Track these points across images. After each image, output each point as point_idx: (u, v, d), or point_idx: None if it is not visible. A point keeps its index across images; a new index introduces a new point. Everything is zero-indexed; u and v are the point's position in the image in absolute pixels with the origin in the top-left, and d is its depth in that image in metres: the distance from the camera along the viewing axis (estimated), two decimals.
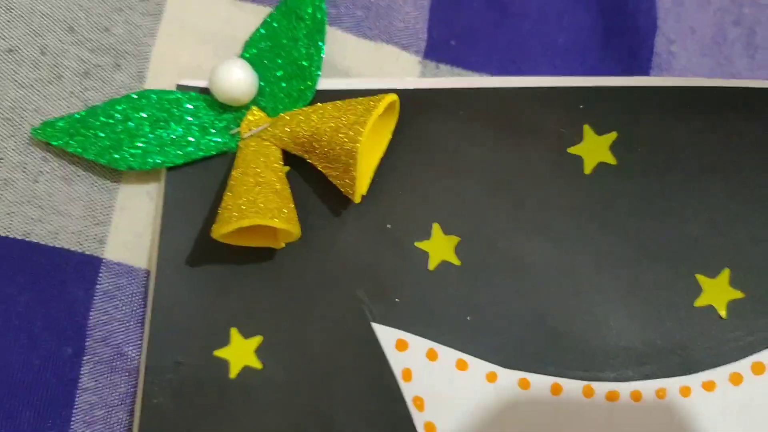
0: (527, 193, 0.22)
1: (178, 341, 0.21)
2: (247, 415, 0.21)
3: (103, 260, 0.22)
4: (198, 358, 0.21)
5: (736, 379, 0.21)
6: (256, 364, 0.21)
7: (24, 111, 0.22)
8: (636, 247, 0.21)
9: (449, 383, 0.21)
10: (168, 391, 0.21)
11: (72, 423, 0.21)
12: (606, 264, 0.21)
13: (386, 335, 0.21)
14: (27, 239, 0.21)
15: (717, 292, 0.21)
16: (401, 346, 0.21)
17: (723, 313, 0.21)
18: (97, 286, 0.22)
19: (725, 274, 0.21)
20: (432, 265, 0.22)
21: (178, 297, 0.21)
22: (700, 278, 0.21)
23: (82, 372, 0.21)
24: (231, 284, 0.22)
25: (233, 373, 0.21)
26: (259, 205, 0.19)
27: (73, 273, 0.22)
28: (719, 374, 0.21)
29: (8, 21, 0.22)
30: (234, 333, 0.21)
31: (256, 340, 0.21)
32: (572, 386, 0.21)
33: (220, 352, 0.21)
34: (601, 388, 0.21)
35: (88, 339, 0.21)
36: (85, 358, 0.21)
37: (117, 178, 0.22)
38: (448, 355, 0.21)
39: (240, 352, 0.21)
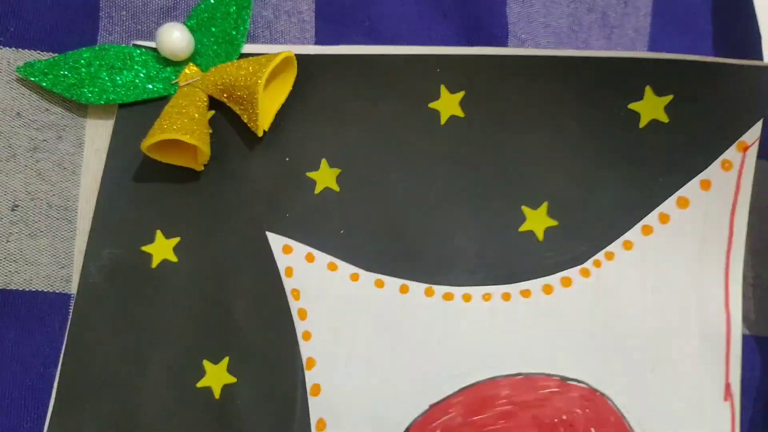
0: (395, 137, 0.27)
1: (113, 237, 0.27)
2: (163, 298, 0.27)
3: (71, 294, 0.27)
4: (128, 250, 0.27)
5: (547, 289, 0.26)
6: (173, 258, 0.27)
7: None
8: (476, 182, 0.27)
9: (321, 280, 0.26)
10: (102, 274, 0.27)
11: None
12: (452, 194, 0.27)
13: (276, 241, 0.27)
14: (8, 288, 0.27)
15: (537, 221, 0.27)
16: (287, 249, 0.27)
17: (540, 237, 0.27)
18: (69, 317, 0.27)
19: (544, 206, 0.27)
20: (318, 190, 0.27)
21: (117, 204, 0.27)
22: (525, 209, 0.27)
23: None
24: (159, 196, 0.27)
25: (154, 263, 0.27)
26: (177, 125, 0.25)
27: (48, 309, 0.27)
28: (534, 285, 0.26)
29: None
30: (158, 234, 0.27)
31: (175, 240, 0.27)
32: (417, 287, 0.26)
33: (146, 248, 0.27)
34: (440, 289, 0.26)
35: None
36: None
37: (72, 230, 0.27)
38: (322, 258, 0.27)
39: (161, 249, 0.27)
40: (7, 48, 0.28)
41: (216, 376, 0.26)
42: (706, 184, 0.26)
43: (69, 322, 0.26)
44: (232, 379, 0.26)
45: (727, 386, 0.25)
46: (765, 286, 0.31)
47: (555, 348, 0.26)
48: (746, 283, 0.32)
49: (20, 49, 0.28)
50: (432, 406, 0.25)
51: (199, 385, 0.26)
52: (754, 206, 0.32)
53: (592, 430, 0.25)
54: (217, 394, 0.25)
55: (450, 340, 0.26)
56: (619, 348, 0.26)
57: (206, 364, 0.26)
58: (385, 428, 0.25)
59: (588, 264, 0.26)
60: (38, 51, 0.28)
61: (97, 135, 0.28)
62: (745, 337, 0.32)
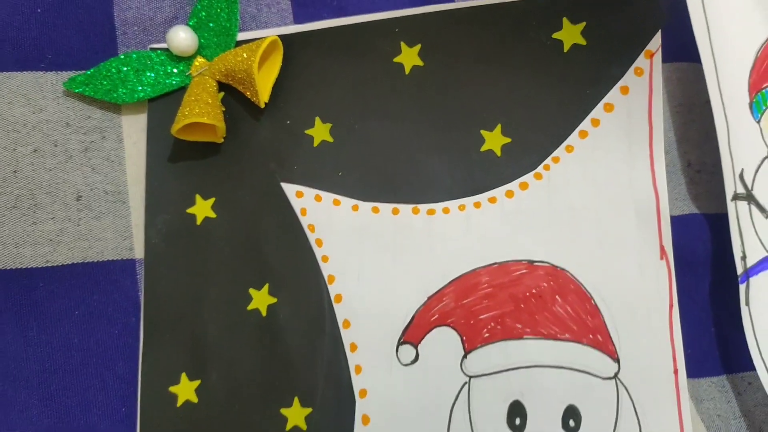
0: (371, 91, 0.33)
1: (164, 206, 0.34)
2: (210, 246, 0.33)
3: (136, 259, 0.34)
4: (177, 214, 0.34)
5: (509, 194, 0.32)
6: (213, 215, 0.34)
7: (57, 185, 0.33)
8: (441, 116, 0.33)
9: (329, 214, 0.33)
10: (160, 236, 0.34)
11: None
12: (423, 129, 0.33)
13: (289, 189, 0.33)
14: (86, 261, 0.33)
15: (494, 141, 0.33)
16: (299, 194, 0.33)
17: (498, 153, 0.33)
18: (137, 276, 0.34)
19: (498, 127, 0.33)
20: (316, 143, 0.34)
21: (162, 179, 0.34)
22: (483, 132, 0.33)
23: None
24: (193, 168, 0.34)
25: (199, 221, 0.34)
26: (196, 110, 0.32)
27: (119, 273, 0.34)
28: (498, 192, 0.33)
29: (28, 132, 0.33)
30: (198, 197, 0.34)
31: (212, 200, 0.34)
32: (405, 208, 0.33)
33: (190, 210, 0.34)
34: (424, 207, 0.33)
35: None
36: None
37: (127, 208, 0.34)
38: (327, 197, 0.33)
39: (202, 209, 0.34)
40: (50, 72, 0.34)
41: (261, 299, 0.33)
42: (625, 90, 0.31)
43: (144, 277, 0.33)
44: (274, 300, 0.33)
45: (662, 248, 0.32)
46: (710, 171, 0.36)
47: (521, 239, 0.32)
48: (693, 170, 0.38)
49: (59, 72, 0.34)
50: (430, 298, 0.32)
51: (249, 308, 0.33)
52: (693, 103, 0.38)
53: (557, 297, 0.31)
54: (264, 312, 0.33)
55: (437, 245, 0.32)
56: (572, 231, 0.32)
57: (252, 291, 0.33)
58: (395, 319, 0.32)
59: (539, 169, 0.32)
60: (73, 71, 0.34)
61: (132, 130, 0.35)
62: (695, 215, 0.38)
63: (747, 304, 0.35)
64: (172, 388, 0.32)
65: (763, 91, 0.36)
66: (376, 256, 0.33)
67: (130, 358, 0.33)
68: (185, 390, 0.32)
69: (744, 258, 0.36)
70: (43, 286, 0.33)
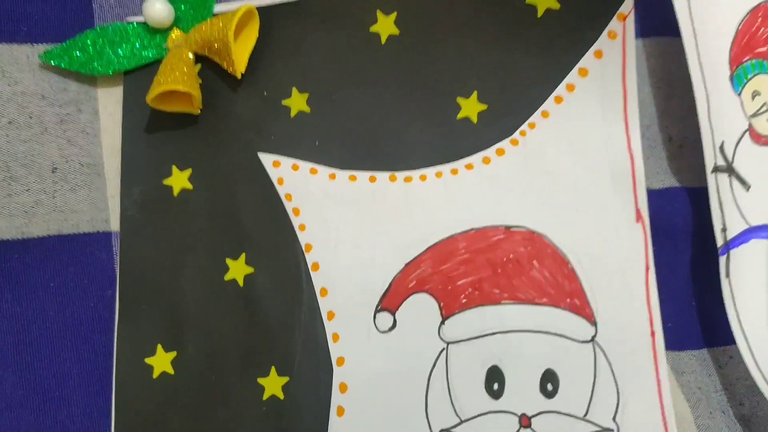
0: (348, 60, 0.33)
1: (140, 177, 0.34)
2: (187, 217, 0.33)
3: (111, 232, 0.34)
4: (153, 185, 0.34)
5: (486, 160, 0.33)
6: (189, 186, 0.34)
7: (33, 157, 0.33)
8: (417, 85, 0.33)
9: (306, 183, 0.33)
10: (136, 207, 0.34)
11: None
12: (400, 98, 0.33)
13: (266, 159, 0.33)
14: (61, 233, 0.33)
15: (470, 108, 0.33)
16: (276, 164, 0.33)
17: (475, 120, 0.33)
18: (113, 249, 0.34)
19: (475, 94, 0.33)
20: (293, 113, 0.34)
21: (138, 151, 0.34)
22: (459, 99, 0.33)
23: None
24: (170, 139, 0.34)
25: (176, 192, 0.34)
26: (171, 78, 0.32)
27: (95, 245, 0.34)
28: (475, 158, 0.33)
29: (3, 103, 0.33)
30: (174, 168, 0.34)
31: (188, 171, 0.34)
32: (383, 175, 0.33)
33: (166, 181, 0.34)
34: (401, 174, 0.33)
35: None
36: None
37: (103, 181, 0.34)
38: (305, 166, 0.33)
39: (178, 180, 0.34)
40: (25, 44, 0.34)
41: (238, 269, 0.33)
42: (599, 54, 0.31)
43: (120, 249, 0.33)
44: (251, 270, 0.33)
45: (637, 211, 0.32)
46: (691, 145, 0.37)
47: (498, 204, 0.32)
48: (674, 145, 0.38)
49: (35, 44, 0.34)
50: (407, 265, 0.32)
51: (226, 278, 0.33)
52: (674, 78, 0.38)
53: (534, 262, 0.31)
54: (241, 282, 0.32)
55: (414, 213, 0.32)
56: (549, 196, 0.32)
57: (229, 261, 0.33)
58: (372, 286, 0.32)
59: (516, 135, 0.32)
60: (49, 43, 0.34)
61: (108, 102, 0.35)
62: (676, 189, 0.38)
63: (727, 276, 0.35)
64: (148, 360, 0.32)
65: (744, 64, 0.36)
66: (353, 224, 0.32)
67: (105, 331, 0.33)
68: (161, 361, 0.32)
69: (724, 230, 0.36)
70: (17, 257, 0.32)
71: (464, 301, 0.31)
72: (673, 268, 0.36)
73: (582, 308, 0.31)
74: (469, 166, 0.32)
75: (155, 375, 0.32)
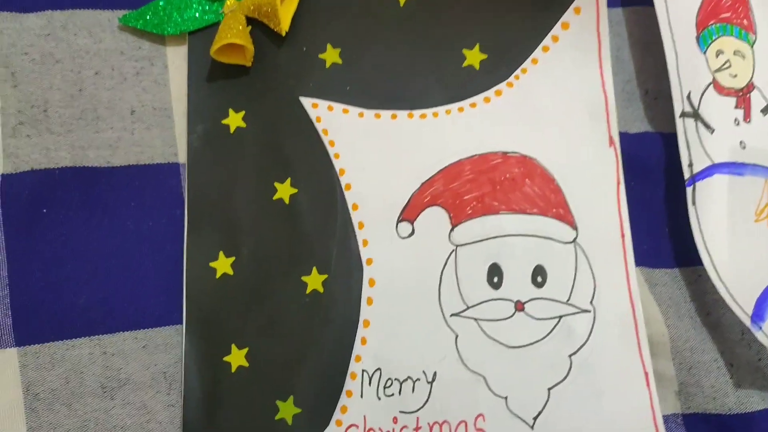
0: (372, 20, 0.41)
1: (202, 117, 0.40)
2: (241, 151, 0.40)
3: (179, 163, 0.41)
4: (213, 124, 0.40)
5: (486, 100, 0.40)
6: (243, 124, 0.41)
7: (115, 102, 0.40)
8: (430, 39, 0.40)
9: (339, 121, 0.40)
10: (200, 141, 0.40)
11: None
12: (416, 51, 0.40)
13: (306, 101, 0.40)
14: (139, 164, 0.40)
15: (473, 57, 0.40)
16: (314, 106, 0.40)
17: (477, 67, 0.40)
18: (181, 176, 0.40)
19: (477, 46, 0.40)
20: (327, 65, 0.41)
21: (201, 96, 0.41)
22: (465, 51, 0.40)
23: None
24: (226, 86, 0.41)
25: (232, 130, 0.41)
26: (229, 35, 0.39)
27: (166, 173, 0.40)
28: (478, 98, 0.40)
29: (90, 58, 0.40)
30: (230, 110, 0.41)
31: (242, 113, 0.41)
32: (402, 113, 0.40)
33: (224, 121, 0.41)
34: (417, 113, 0.40)
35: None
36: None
37: (171, 121, 0.40)
38: (338, 107, 0.40)
39: (234, 120, 0.41)
40: (107, 10, 0.41)
41: (284, 190, 0.40)
42: (577, 10, 0.39)
43: (187, 175, 0.40)
44: (295, 190, 0.39)
45: (610, 137, 0.39)
46: (665, 98, 0.43)
47: (496, 135, 0.39)
48: (650, 98, 0.45)
49: (115, 10, 0.42)
50: (423, 184, 0.39)
51: (274, 198, 0.39)
52: (649, 41, 0.44)
53: (527, 180, 0.38)
54: (287, 201, 0.39)
55: (428, 143, 0.39)
56: (538, 127, 0.39)
57: (276, 184, 0.40)
58: (395, 201, 0.39)
59: (511, 79, 0.40)
60: (126, 9, 0.42)
61: (175, 57, 0.42)
62: (651, 134, 0.45)
63: (693, 203, 0.41)
64: (212, 264, 0.39)
65: (709, 27, 0.42)
66: (378, 152, 0.40)
67: (175, 242, 0.40)
68: (223, 265, 0.39)
69: (691, 165, 0.42)
70: (105, 182, 0.40)
71: (470, 212, 0.38)
72: (648, 201, 0.43)
73: (565, 216, 0.38)
74: (473, 105, 0.40)
75: (218, 276, 0.39)
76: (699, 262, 0.41)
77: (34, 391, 0.36)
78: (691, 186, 0.42)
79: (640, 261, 0.40)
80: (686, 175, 0.42)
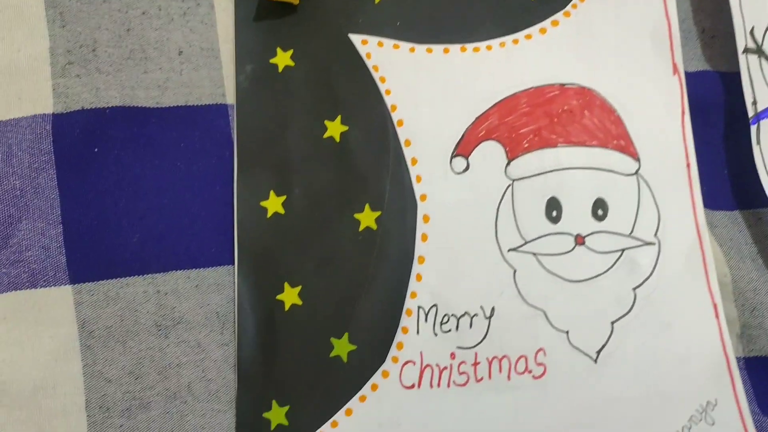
0: None
1: (250, 56, 0.40)
2: (290, 89, 0.40)
3: (227, 104, 0.40)
4: (261, 63, 0.40)
5: (542, 31, 0.38)
6: (291, 63, 0.40)
7: (162, 42, 0.40)
8: None
9: (390, 56, 0.39)
10: (248, 81, 0.40)
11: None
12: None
13: (356, 38, 0.40)
14: (187, 104, 0.40)
15: None
16: (364, 42, 0.40)
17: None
18: (229, 117, 0.40)
19: None
20: (377, 1, 0.40)
21: (248, 36, 0.40)
22: None
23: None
24: (274, 26, 0.40)
25: (280, 69, 0.40)
26: None
27: (215, 113, 0.40)
28: (533, 30, 0.39)
29: None
30: (278, 49, 0.40)
31: (290, 51, 0.40)
32: (454, 47, 0.39)
33: (272, 60, 0.40)
34: (470, 46, 0.39)
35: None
36: None
37: (219, 62, 0.40)
38: (388, 42, 0.39)
39: (282, 59, 0.40)
40: None
41: (335, 128, 0.39)
42: None
43: (236, 113, 0.40)
44: (345, 128, 0.39)
45: (674, 65, 0.37)
46: (722, 36, 0.41)
47: (553, 67, 0.38)
48: (707, 36, 0.43)
49: None
50: (477, 118, 0.38)
51: (325, 136, 0.39)
52: None
53: (585, 111, 0.37)
54: (337, 139, 0.39)
55: (482, 76, 0.38)
56: (597, 57, 0.38)
57: (327, 122, 0.39)
58: (449, 136, 0.38)
59: (568, 8, 0.38)
60: None
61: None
62: (710, 72, 0.43)
63: (758, 143, 0.40)
64: (263, 203, 0.39)
65: None
66: (431, 87, 0.39)
67: (224, 183, 0.39)
68: (274, 204, 0.39)
69: (755, 103, 0.41)
70: (155, 122, 0.39)
71: (526, 145, 0.37)
72: (707, 141, 0.41)
73: (627, 147, 0.37)
74: (528, 36, 0.38)
75: (269, 215, 0.38)
76: (760, 204, 0.40)
77: (88, 328, 0.36)
78: (756, 124, 0.41)
79: None
80: (750, 113, 0.41)
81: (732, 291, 0.40)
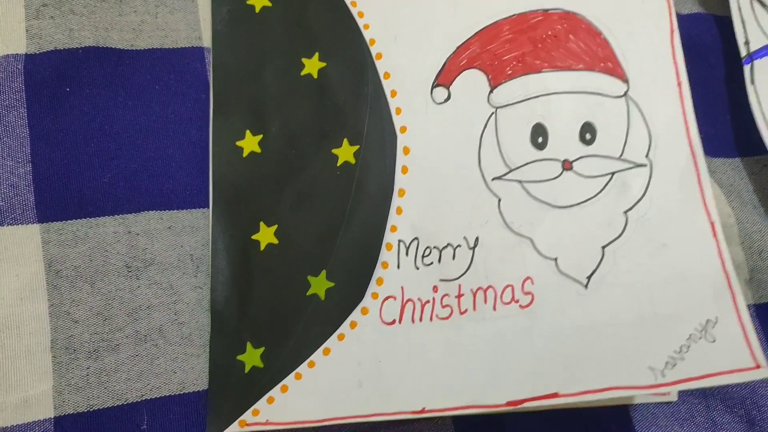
0: None
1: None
2: (264, 31, 0.39)
3: (203, 47, 0.39)
4: (238, 5, 0.39)
5: None
6: (268, 3, 0.39)
7: None
8: None
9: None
10: (225, 23, 0.39)
11: None
12: None
13: None
14: (164, 47, 0.39)
15: None
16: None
17: None
18: (206, 61, 0.39)
19: None
20: None
21: None
22: None
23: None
24: None
25: (257, 9, 0.39)
26: None
27: (192, 56, 0.39)
28: None
29: None
30: None
31: None
32: None
33: (250, 1, 0.39)
34: None
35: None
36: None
37: (196, 7, 0.39)
38: None
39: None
40: None
41: (312, 65, 0.38)
42: None
43: (212, 54, 0.39)
44: (323, 64, 0.38)
45: None
46: None
47: None
48: None
49: None
50: (458, 47, 0.37)
51: (302, 73, 0.38)
52: None
53: (570, 35, 0.36)
54: (315, 75, 0.38)
55: (463, 5, 0.37)
56: None
57: (304, 60, 0.38)
58: (429, 67, 0.36)
59: None
60: None
61: None
62: (703, 14, 0.42)
63: (752, 83, 0.38)
64: (239, 143, 0.37)
65: None
66: (410, 18, 0.37)
67: (200, 126, 0.38)
68: (250, 143, 0.37)
69: (747, 43, 0.40)
70: (128, 63, 0.38)
71: (509, 72, 0.36)
72: (704, 84, 0.40)
73: (614, 69, 0.35)
74: None
75: (245, 154, 0.37)
76: (762, 150, 0.38)
77: (56, 267, 0.35)
78: (749, 64, 0.39)
79: None
80: (742, 52, 0.39)
81: (738, 233, 0.37)
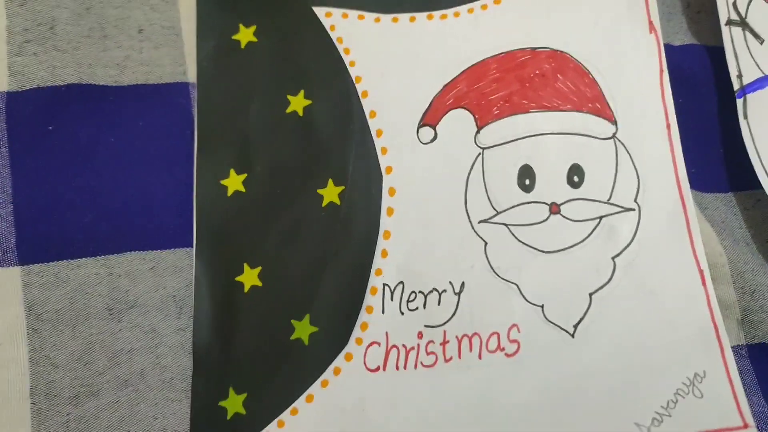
0: None
1: (213, 34, 0.39)
2: (252, 63, 0.38)
3: (188, 82, 0.39)
4: (224, 40, 0.39)
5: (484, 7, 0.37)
6: (254, 39, 0.39)
7: (123, 20, 0.39)
8: None
9: (355, 28, 0.38)
10: (210, 59, 0.38)
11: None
12: None
13: (320, 11, 0.38)
14: (147, 83, 0.38)
15: None
16: (328, 15, 0.38)
17: None
18: (191, 96, 0.39)
19: None
20: None
21: (210, 13, 0.39)
22: None
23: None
24: (236, 3, 0.39)
25: (243, 45, 0.39)
26: None
27: (176, 92, 0.39)
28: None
29: None
30: (241, 26, 0.39)
31: (253, 27, 0.39)
32: (420, 15, 0.37)
33: (235, 36, 0.39)
34: (437, 14, 0.37)
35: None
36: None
37: (180, 41, 0.39)
38: (353, 14, 0.38)
39: (245, 35, 0.39)
40: None
41: (298, 103, 0.37)
42: None
43: (197, 92, 0.38)
44: (309, 102, 0.37)
45: (650, 23, 0.35)
46: (708, 12, 0.40)
47: (523, 30, 0.36)
48: (692, 11, 0.42)
49: None
50: (445, 86, 0.36)
51: (288, 111, 0.37)
52: None
53: (558, 75, 0.35)
54: (300, 113, 0.37)
55: (449, 43, 0.37)
56: (570, 19, 0.36)
57: (289, 97, 0.38)
58: (415, 106, 0.36)
59: None
60: None
61: None
62: (695, 46, 0.41)
63: (745, 117, 0.38)
64: (223, 182, 0.37)
65: None
66: (396, 57, 0.37)
67: (184, 163, 0.38)
68: (234, 182, 0.37)
69: (740, 76, 0.39)
70: (112, 99, 0.38)
71: (497, 112, 0.35)
72: (696, 118, 0.39)
73: (602, 110, 0.35)
74: (496, 1, 0.37)
75: (229, 193, 0.36)
76: (756, 185, 0.37)
77: (36, 311, 0.34)
78: (742, 98, 0.38)
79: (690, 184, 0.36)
80: (735, 86, 0.39)
81: (729, 272, 0.37)
